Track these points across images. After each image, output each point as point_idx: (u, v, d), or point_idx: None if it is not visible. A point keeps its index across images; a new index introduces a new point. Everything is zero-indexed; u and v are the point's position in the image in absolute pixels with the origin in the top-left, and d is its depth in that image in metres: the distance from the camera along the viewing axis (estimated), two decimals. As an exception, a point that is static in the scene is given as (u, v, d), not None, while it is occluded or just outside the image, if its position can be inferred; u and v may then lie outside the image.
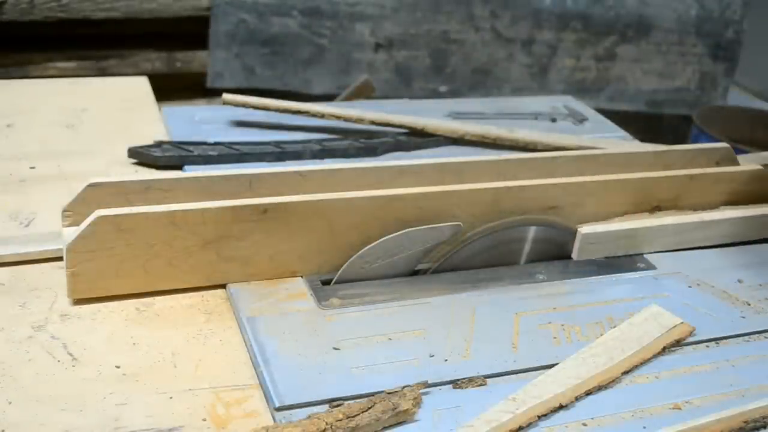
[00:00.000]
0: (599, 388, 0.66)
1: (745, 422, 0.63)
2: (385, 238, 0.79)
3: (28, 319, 0.70)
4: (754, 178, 0.98)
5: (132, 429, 0.59)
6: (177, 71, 1.97)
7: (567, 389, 0.65)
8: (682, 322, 0.75)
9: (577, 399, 0.65)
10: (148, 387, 0.63)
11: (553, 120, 1.25)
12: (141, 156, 0.98)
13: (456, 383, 0.66)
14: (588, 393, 0.66)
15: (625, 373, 0.69)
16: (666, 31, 2.17)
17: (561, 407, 0.64)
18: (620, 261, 0.88)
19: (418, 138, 1.11)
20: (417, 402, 0.62)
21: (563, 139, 1.12)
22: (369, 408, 0.60)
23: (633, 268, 0.87)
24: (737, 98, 2.34)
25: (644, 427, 0.63)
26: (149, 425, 0.59)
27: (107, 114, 1.12)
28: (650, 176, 0.93)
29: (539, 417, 0.62)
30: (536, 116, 1.26)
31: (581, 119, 1.27)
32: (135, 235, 0.72)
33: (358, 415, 0.59)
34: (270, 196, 0.77)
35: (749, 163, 1.02)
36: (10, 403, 0.60)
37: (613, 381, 0.68)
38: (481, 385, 0.66)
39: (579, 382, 0.66)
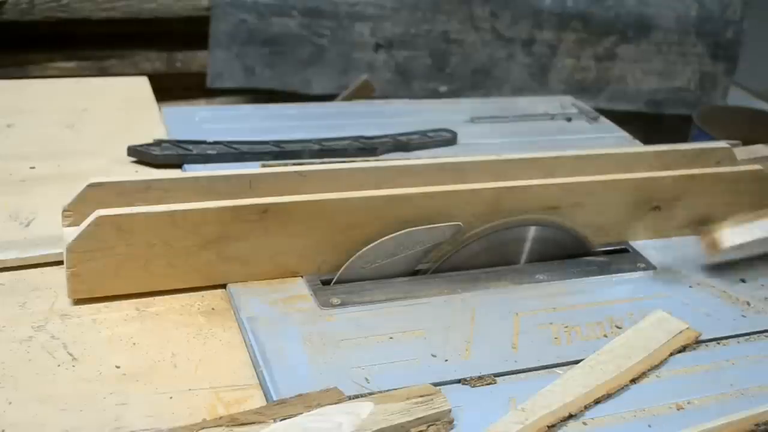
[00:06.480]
0: (608, 396, 0.66)
1: (756, 425, 0.63)
2: (385, 238, 0.79)
3: (28, 319, 0.70)
4: (754, 178, 0.98)
5: (132, 429, 0.59)
6: (177, 71, 1.97)
7: (576, 398, 0.64)
8: (687, 328, 0.74)
9: (586, 408, 0.64)
10: (148, 387, 0.63)
11: (569, 119, 1.25)
12: (140, 154, 0.98)
13: (465, 381, 0.66)
14: (597, 401, 0.65)
15: (633, 381, 0.68)
16: (666, 31, 2.17)
17: (570, 416, 0.63)
18: (620, 261, 0.88)
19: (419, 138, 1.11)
20: None
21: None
22: None
23: (633, 268, 0.87)
24: (737, 98, 2.33)
25: (649, 426, 0.63)
26: (149, 425, 0.59)
27: (107, 114, 1.12)
28: (650, 176, 0.93)
29: (549, 427, 0.62)
30: (552, 116, 1.26)
31: (594, 117, 1.27)
32: (135, 235, 0.72)
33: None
34: (270, 196, 0.77)
35: (742, 155, 1.02)
36: (10, 403, 0.60)
37: (622, 389, 0.67)
38: (490, 383, 0.66)
39: (587, 390, 0.65)
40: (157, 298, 0.74)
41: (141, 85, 1.23)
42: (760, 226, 0.88)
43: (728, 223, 0.87)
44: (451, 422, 0.61)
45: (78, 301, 0.73)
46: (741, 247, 0.87)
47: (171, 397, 0.62)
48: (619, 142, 1.20)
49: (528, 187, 0.86)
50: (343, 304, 0.75)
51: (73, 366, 0.65)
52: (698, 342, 0.75)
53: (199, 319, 0.72)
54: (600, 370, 0.68)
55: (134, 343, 0.68)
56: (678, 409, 0.65)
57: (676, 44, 2.19)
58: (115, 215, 0.71)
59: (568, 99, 1.37)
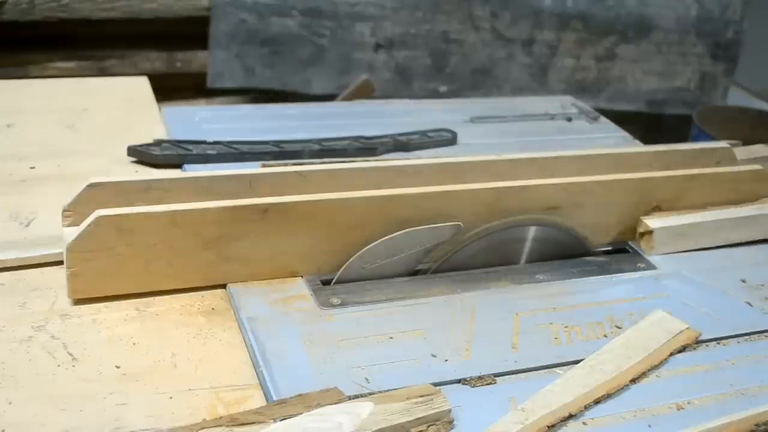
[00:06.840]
0: (608, 396, 0.66)
1: (756, 425, 0.63)
2: (385, 238, 0.79)
3: (28, 319, 0.70)
4: (754, 178, 0.98)
5: (132, 429, 0.59)
6: (177, 71, 1.97)
7: (576, 398, 0.64)
8: (687, 328, 0.74)
9: (586, 408, 0.64)
10: (148, 387, 0.63)
11: (569, 119, 1.25)
12: (140, 154, 0.98)
13: (465, 381, 0.66)
14: (597, 401, 0.65)
15: (633, 381, 0.68)
16: (666, 31, 2.17)
17: (570, 416, 0.63)
18: (620, 261, 0.88)
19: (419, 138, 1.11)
20: None
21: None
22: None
23: (633, 268, 0.87)
24: (737, 98, 2.34)
25: (649, 426, 0.63)
26: (149, 425, 0.59)
27: (107, 114, 1.12)
28: (650, 176, 0.93)
29: (549, 427, 0.62)
30: (552, 116, 1.26)
31: (594, 117, 1.27)
32: (135, 235, 0.72)
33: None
34: (270, 196, 0.77)
35: (742, 155, 1.02)
36: (10, 403, 0.60)
37: (622, 389, 0.67)
38: (490, 383, 0.66)
39: (587, 390, 0.65)
40: (157, 298, 0.74)
41: (141, 85, 1.23)
42: (693, 215, 0.92)
43: (659, 213, 0.92)
44: (451, 422, 0.61)
45: (78, 301, 0.73)
46: (675, 233, 0.90)
47: (171, 397, 0.62)
48: (619, 142, 1.20)
49: (528, 187, 0.86)
50: (343, 304, 0.75)
51: (73, 366, 0.65)
52: (698, 342, 0.75)
53: (199, 319, 0.72)
54: (600, 370, 0.68)
55: (134, 343, 0.68)
56: (678, 409, 0.65)
57: (676, 44, 2.19)
58: (115, 215, 0.71)
59: (568, 99, 1.37)
